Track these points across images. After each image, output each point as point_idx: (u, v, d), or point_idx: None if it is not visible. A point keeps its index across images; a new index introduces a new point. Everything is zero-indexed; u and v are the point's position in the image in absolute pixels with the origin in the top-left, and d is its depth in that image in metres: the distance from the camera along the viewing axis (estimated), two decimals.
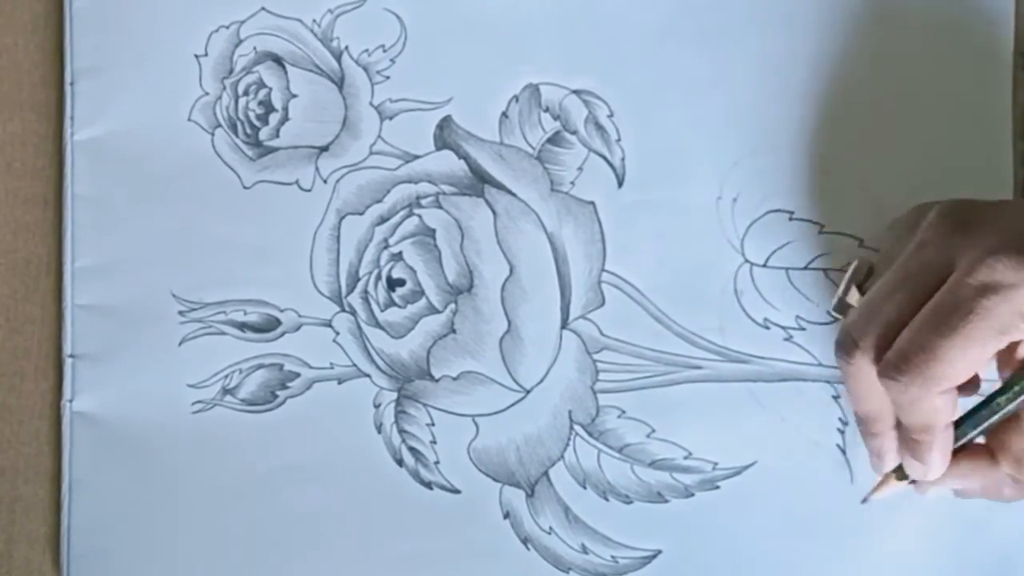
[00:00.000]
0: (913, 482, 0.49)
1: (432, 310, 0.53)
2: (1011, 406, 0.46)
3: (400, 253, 0.54)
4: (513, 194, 0.53)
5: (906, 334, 0.44)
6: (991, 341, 0.43)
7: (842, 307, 0.50)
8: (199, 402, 0.53)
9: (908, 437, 0.47)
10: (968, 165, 0.53)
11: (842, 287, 0.50)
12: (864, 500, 0.51)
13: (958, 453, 0.47)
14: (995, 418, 0.46)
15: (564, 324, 0.53)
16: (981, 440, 0.48)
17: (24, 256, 0.55)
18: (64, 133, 0.54)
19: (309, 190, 0.54)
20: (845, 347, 0.46)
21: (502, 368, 0.53)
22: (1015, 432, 0.46)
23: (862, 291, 0.49)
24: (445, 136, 0.54)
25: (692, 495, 0.52)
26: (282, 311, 0.53)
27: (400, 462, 0.53)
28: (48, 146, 0.55)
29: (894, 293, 0.45)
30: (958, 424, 0.47)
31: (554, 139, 0.54)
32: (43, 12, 0.55)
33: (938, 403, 0.44)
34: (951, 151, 0.53)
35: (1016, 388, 0.46)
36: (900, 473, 0.49)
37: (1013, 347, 0.45)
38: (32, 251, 0.55)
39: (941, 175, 0.52)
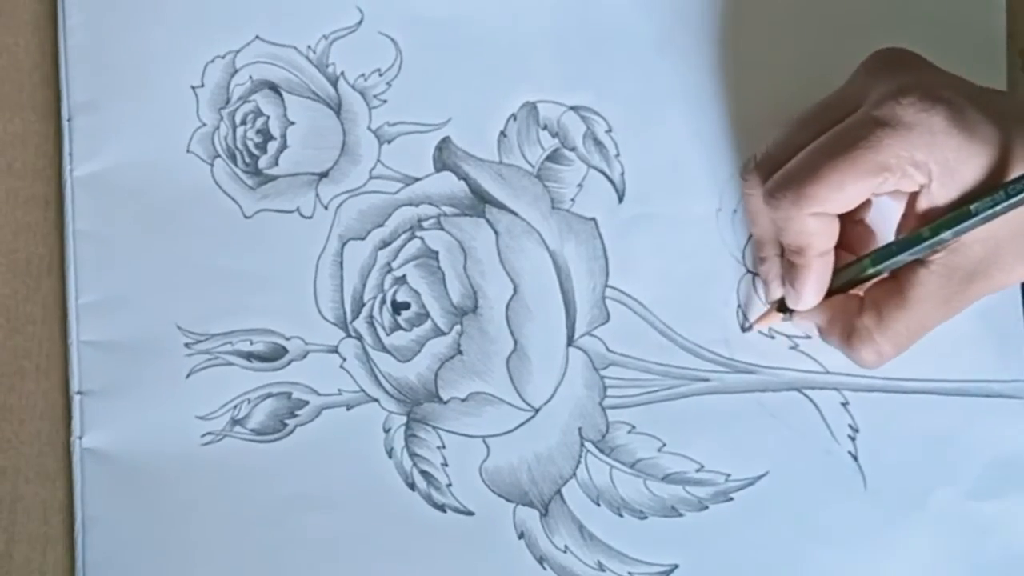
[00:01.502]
0: (790, 316, 0.50)
1: (438, 332, 0.53)
2: (888, 260, 0.47)
3: (404, 276, 0.54)
4: (514, 213, 0.53)
5: (798, 157, 0.45)
6: (872, 174, 0.43)
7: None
8: (209, 434, 0.53)
9: (787, 262, 0.48)
10: None
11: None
12: (746, 328, 0.52)
13: (835, 296, 0.49)
14: (873, 269, 0.47)
15: (570, 341, 0.53)
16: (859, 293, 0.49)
17: (25, 256, 0.54)
18: (63, 170, 0.54)
19: (310, 217, 0.54)
20: (743, 172, 0.50)
21: (510, 388, 0.53)
22: (889, 293, 0.47)
23: None
24: (444, 157, 0.54)
25: (706, 508, 0.52)
26: (288, 339, 0.53)
27: (412, 486, 0.53)
28: (48, 146, 0.55)
29: (803, 125, 0.47)
30: (842, 272, 0.48)
31: (553, 156, 0.54)
32: (43, 12, 0.55)
33: (810, 225, 0.45)
34: None
35: (900, 246, 0.46)
36: (780, 305, 0.50)
37: (911, 207, 0.46)
38: (33, 251, 0.54)
39: None
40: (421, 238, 0.54)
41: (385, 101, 0.54)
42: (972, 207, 0.43)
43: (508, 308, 0.53)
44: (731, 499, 0.52)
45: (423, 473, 0.53)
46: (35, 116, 0.55)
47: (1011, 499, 0.52)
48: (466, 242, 0.53)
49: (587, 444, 0.53)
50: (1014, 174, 0.43)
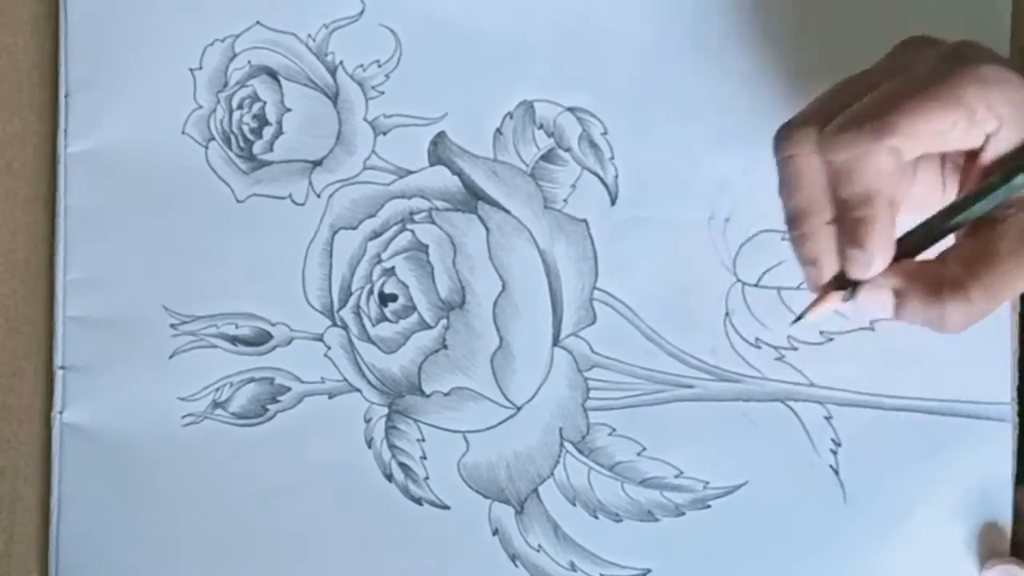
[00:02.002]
0: (853, 293, 0.43)
1: (424, 325, 0.53)
2: (958, 219, 0.43)
3: (393, 268, 0.54)
4: (506, 211, 0.54)
5: (869, 97, 0.42)
6: (952, 108, 0.41)
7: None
8: (189, 415, 0.53)
9: (848, 219, 0.42)
10: None
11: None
12: (797, 319, 0.46)
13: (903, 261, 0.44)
14: (948, 225, 0.43)
15: (556, 341, 0.53)
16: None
17: (24, 256, 0.55)
18: (58, 145, 0.54)
19: (302, 204, 0.54)
20: (785, 130, 0.43)
21: (493, 385, 0.53)
22: (966, 245, 0.43)
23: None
24: (439, 152, 0.54)
25: (683, 514, 0.52)
26: (274, 325, 0.54)
27: (390, 477, 0.53)
28: (48, 147, 0.55)
29: (851, 83, 0.43)
30: (912, 234, 0.44)
31: (548, 156, 0.54)
32: (43, 12, 0.55)
33: (886, 163, 0.42)
34: None
35: (969, 200, 0.43)
36: (839, 281, 0.44)
37: (971, 163, 0.43)
38: (32, 251, 0.55)
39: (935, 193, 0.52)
40: (412, 231, 0.54)
41: (382, 92, 0.54)
42: None
43: (495, 305, 0.53)
44: (708, 507, 0.52)
45: (401, 465, 0.53)
46: (35, 116, 0.55)
47: (990, 521, 0.51)
48: (457, 237, 0.54)
49: (567, 444, 0.53)
50: None
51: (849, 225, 0.42)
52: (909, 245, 0.43)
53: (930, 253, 0.44)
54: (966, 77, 0.41)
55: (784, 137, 0.43)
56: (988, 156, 0.43)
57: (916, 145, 0.42)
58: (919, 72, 0.42)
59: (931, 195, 0.45)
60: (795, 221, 0.43)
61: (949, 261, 0.43)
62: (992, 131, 0.42)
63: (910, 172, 0.44)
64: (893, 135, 0.41)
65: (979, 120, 0.41)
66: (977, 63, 0.41)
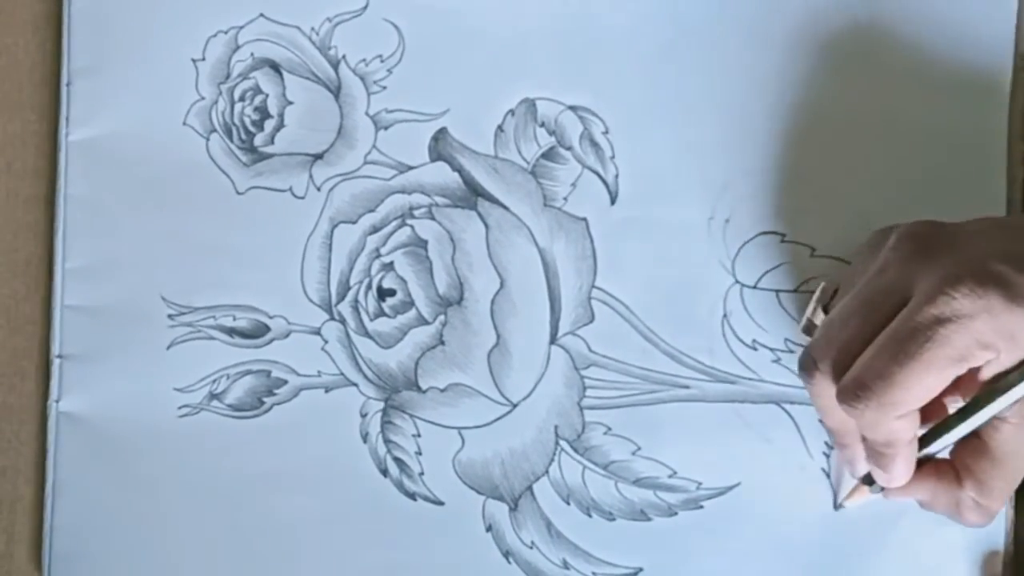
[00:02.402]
0: (881, 491, 0.49)
1: (421, 321, 0.53)
2: (965, 424, 0.46)
3: (391, 263, 0.54)
4: (506, 208, 0.54)
5: (862, 360, 0.44)
6: (948, 369, 0.43)
7: (810, 328, 0.50)
8: (186, 406, 0.53)
9: (872, 449, 0.47)
10: (962, 183, 0.52)
11: (809, 309, 0.50)
12: (838, 506, 0.52)
13: (925, 465, 0.47)
14: (953, 435, 0.46)
15: (553, 339, 0.53)
16: (946, 455, 0.48)
17: (24, 256, 0.55)
18: (59, 133, 0.54)
19: (302, 197, 0.54)
20: (807, 368, 0.47)
21: (489, 381, 0.53)
22: (978, 454, 0.47)
23: (827, 312, 0.49)
24: (440, 148, 0.54)
25: (675, 514, 0.52)
26: (271, 318, 0.54)
27: (385, 472, 0.53)
28: (48, 146, 0.55)
29: (852, 317, 0.45)
30: (925, 437, 0.47)
31: (548, 154, 0.54)
32: (43, 12, 0.55)
33: (896, 426, 0.45)
34: (945, 172, 0.53)
35: (975, 409, 0.45)
36: (868, 479, 0.49)
37: (974, 371, 0.45)
38: (32, 251, 0.55)
39: (935, 197, 0.52)
40: (411, 226, 0.54)
41: (385, 87, 0.54)
42: None
43: (493, 302, 0.53)
44: (701, 507, 0.52)
45: (396, 460, 0.53)
46: (35, 116, 0.55)
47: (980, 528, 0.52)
48: (456, 233, 0.54)
49: (562, 442, 0.53)
50: None
51: (874, 455, 0.47)
52: (926, 453, 0.47)
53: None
54: (959, 334, 0.42)
55: (808, 373, 0.47)
56: (988, 372, 0.44)
57: (923, 400, 0.44)
58: (913, 327, 0.43)
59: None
60: (832, 434, 0.50)
61: (961, 472, 0.48)
62: (991, 358, 0.43)
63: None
64: (895, 410, 0.44)
65: (978, 357, 0.43)
66: (968, 312, 0.42)
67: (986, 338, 0.42)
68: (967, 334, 0.42)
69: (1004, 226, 0.46)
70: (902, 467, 0.47)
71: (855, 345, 0.45)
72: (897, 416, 0.44)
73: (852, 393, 0.44)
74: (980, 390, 0.45)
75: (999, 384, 0.44)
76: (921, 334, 0.43)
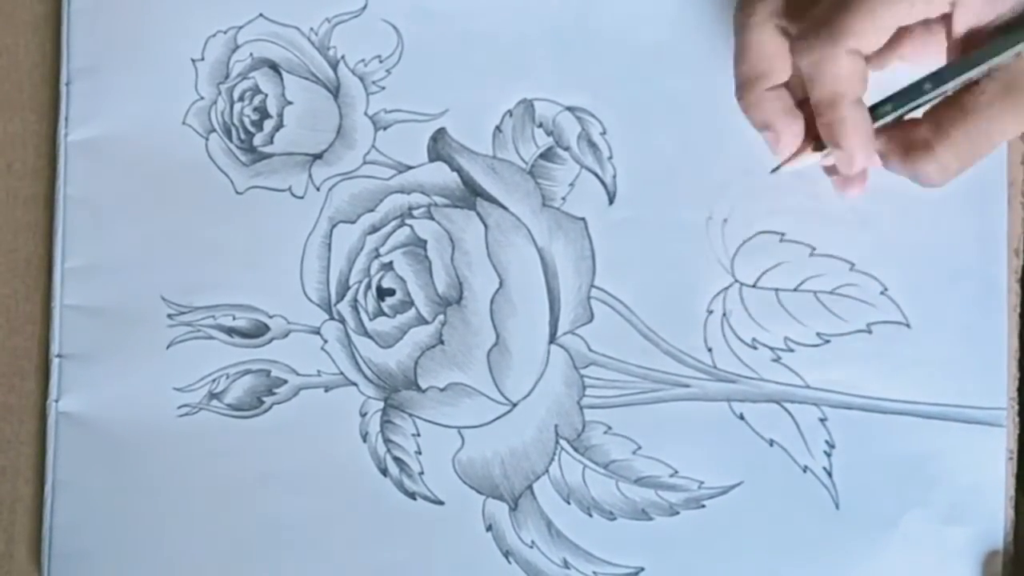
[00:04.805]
0: (828, 152, 0.46)
1: (421, 321, 0.53)
2: (934, 92, 0.45)
3: (391, 263, 0.54)
4: (505, 208, 0.54)
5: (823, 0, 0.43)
6: (902, 3, 0.42)
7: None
8: (185, 406, 0.53)
9: (822, 124, 0.45)
10: (962, 183, 0.52)
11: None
12: (775, 170, 0.48)
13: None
14: (918, 101, 0.45)
15: (552, 339, 0.53)
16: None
17: (24, 256, 0.55)
18: (58, 133, 0.54)
19: (302, 197, 0.54)
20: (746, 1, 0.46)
21: (489, 381, 0.53)
22: (945, 104, 0.45)
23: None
24: (439, 148, 0.54)
25: (677, 513, 0.52)
26: (271, 317, 0.54)
27: (384, 472, 0.53)
28: (48, 146, 0.55)
29: None
30: (879, 107, 0.46)
31: (547, 154, 0.54)
32: (43, 12, 0.55)
33: (844, 66, 0.43)
34: None
35: (950, 71, 0.44)
36: (817, 144, 0.47)
37: (950, 36, 0.44)
38: (32, 251, 0.55)
39: (934, 195, 0.52)
40: (411, 226, 0.54)
41: (383, 88, 0.54)
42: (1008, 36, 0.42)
43: (492, 301, 0.53)
44: (703, 506, 0.52)
45: (396, 460, 0.53)
46: (35, 116, 0.55)
47: (983, 526, 0.51)
48: (455, 233, 0.54)
49: (562, 442, 0.53)
50: None
51: (824, 129, 0.45)
52: (896, 117, 0.46)
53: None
54: None
55: (745, 5, 0.45)
56: (958, 28, 0.43)
57: (874, 40, 0.43)
58: None
59: (925, 50, 0.46)
60: (740, 89, 0.47)
61: (924, 118, 0.45)
62: (951, 2, 0.42)
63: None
64: (848, 38, 0.43)
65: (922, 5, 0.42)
66: None
67: None
68: None
69: None
70: (856, 138, 0.44)
71: None
72: (847, 50, 0.43)
73: (804, 29, 0.43)
74: (955, 47, 0.44)
75: (978, 49, 0.43)
76: None
